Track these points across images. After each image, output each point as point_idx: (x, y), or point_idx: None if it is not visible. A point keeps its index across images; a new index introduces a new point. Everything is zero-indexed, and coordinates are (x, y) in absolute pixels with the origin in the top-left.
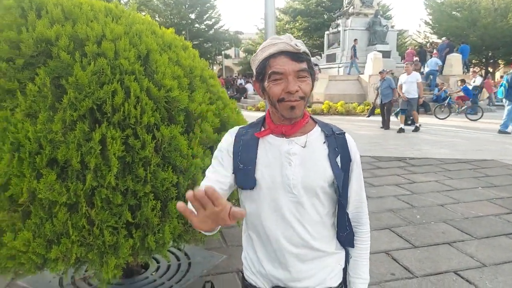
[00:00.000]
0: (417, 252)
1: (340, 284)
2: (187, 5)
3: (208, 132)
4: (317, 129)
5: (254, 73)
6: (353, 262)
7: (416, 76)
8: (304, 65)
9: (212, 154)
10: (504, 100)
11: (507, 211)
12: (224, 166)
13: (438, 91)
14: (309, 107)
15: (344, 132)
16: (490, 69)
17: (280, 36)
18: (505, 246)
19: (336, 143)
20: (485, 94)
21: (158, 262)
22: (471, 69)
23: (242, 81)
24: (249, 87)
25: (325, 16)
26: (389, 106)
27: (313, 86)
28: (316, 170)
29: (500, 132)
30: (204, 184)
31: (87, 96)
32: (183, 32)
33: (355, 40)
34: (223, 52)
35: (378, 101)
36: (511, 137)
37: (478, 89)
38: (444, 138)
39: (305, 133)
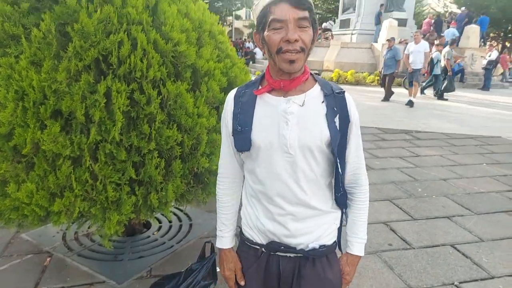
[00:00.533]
0: (416, 224)
1: (334, 242)
2: None
3: (214, 91)
4: (316, 88)
5: (255, 23)
6: (351, 222)
7: (424, 46)
8: (305, 14)
9: (217, 114)
10: None
11: (509, 188)
12: (229, 139)
13: (453, 63)
14: (318, 75)
15: (344, 91)
16: (508, 44)
17: None
18: (504, 223)
19: (335, 102)
20: (499, 69)
21: (160, 222)
22: (488, 43)
23: (251, 45)
24: (258, 51)
25: None
26: (390, 78)
27: (314, 38)
28: (313, 130)
29: None
30: (223, 165)
31: (93, 45)
32: None
33: (381, 5)
34: (233, 13)
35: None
36: None
37: (493, 64)
38: (453, 113)
39: (304, 91)
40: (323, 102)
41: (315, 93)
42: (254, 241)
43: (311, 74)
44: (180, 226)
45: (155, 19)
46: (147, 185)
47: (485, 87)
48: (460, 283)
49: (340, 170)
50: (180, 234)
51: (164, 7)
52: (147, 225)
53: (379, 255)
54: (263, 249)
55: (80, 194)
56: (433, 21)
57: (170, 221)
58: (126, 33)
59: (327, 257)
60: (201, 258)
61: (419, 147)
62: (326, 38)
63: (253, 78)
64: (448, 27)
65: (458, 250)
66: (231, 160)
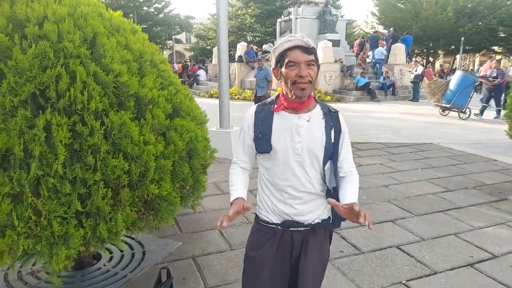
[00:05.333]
0: (364, 230)
1: (328, 217)
2: None
3: (160, 118)
4: (318, 108)
5: (274, 61)
6: (350, 191)
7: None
8: (312, 57)
9: (164, 140)
10: None
11: (443, 190)
12: (250, 139)
13: (384, 79)
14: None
15: (338, 111)
16: (431, 59)
17: (295, 34)
18: (441, 221)
19: (331, 118)
20: (425, 82)
21: (111, 253)
22: (413, 59)
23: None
24: (202, 73)
25: (277, 4)
26: (265, 100)
27: (318, 73)
28: (316, 139)
29: None
30: (240, 161)
31: (29, 80)
32: (131, 15)
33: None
34: (173, 37)
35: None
36: (448, 123)
37: (420, 77)
38: (388, 123)
39: (309, 110)
40: (323, 118)
41: (317, 111)
42: (270, 221)
43: (314, 98)
44: (133, 255)
45: (94, 52)
46: (95, 216)
47: (414, 98)
48: (407, 281)
49: (325, 165)
50: (133, 263)
51: (102, 40)
52: (97, 257)
53: (332, 263)
54: (278, 227)
55: (24, 231)
56: (359, 42)
57: (121, 250)
58: (63, 67)
59: (325, 228)
60: (158, 284)
61: (360, 157)
62: (267, 60)
63: (197, 99)
64: (377, 46)
65: (403, 251)
66: (243, 155)
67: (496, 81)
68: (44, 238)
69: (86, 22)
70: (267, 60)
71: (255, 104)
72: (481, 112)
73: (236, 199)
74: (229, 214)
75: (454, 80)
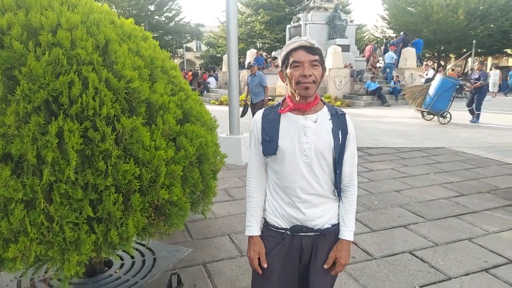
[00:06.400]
0: (375, 235)
1: (338, 222)
2: None
3: (170, 123)
4: (324, 109)
5: (280, 64)
6: (343, 213)
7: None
8: (316, 57)
9: (175, 146)
10: None
11: (456, 194)
12: (260, 144)
13: (394, 83)
14: (272, 100)
15: (345, 113)
16: (442, 62)
17: (301, 37)
18: (455, 226)
19: (339, 120)
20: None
21: (122, 259)
22: (424, 63)
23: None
24: (212, 81)
25: (287, 10)
26: (260, 107)
27: (323, 74)
28: (324, 139)
29: None
30: (252, 168)
31: (42, 87)
32: (142, 24)
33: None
34: (184, 45)
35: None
36: (458, 127)
37: (431, 81)
38: (399, 128)
39: (316, 111)
40: (329, 119)
41: (324, 113)
42: (280, 226)
43: (320, 99)
44: (144, 261)
45: (106, 58)
46: (106, 221)
47: None
48: (420, 287)
49: (337, 170)
50: (144, 269)
51: (114, 46)
52: (109, 263)
53: (344, 269)
54: (287, 232)
55: (36, 237)
56: (372, 48)
57: (132, 257)
58: (76, 73)
59: (335, 232)
60: None
61: (372, 162)
62: (276, 66)
63: (207, 107)
64: (388, 50)
65: (416, 256)
66: (258, 164)
67: (479, 83)
68: (56, 244)
69: (98, 29)
70: (276, 66)
71: (241, 112)
72: (476, 116)
73: (251, 237)
74: (255, 258)
75: (433, 84)
